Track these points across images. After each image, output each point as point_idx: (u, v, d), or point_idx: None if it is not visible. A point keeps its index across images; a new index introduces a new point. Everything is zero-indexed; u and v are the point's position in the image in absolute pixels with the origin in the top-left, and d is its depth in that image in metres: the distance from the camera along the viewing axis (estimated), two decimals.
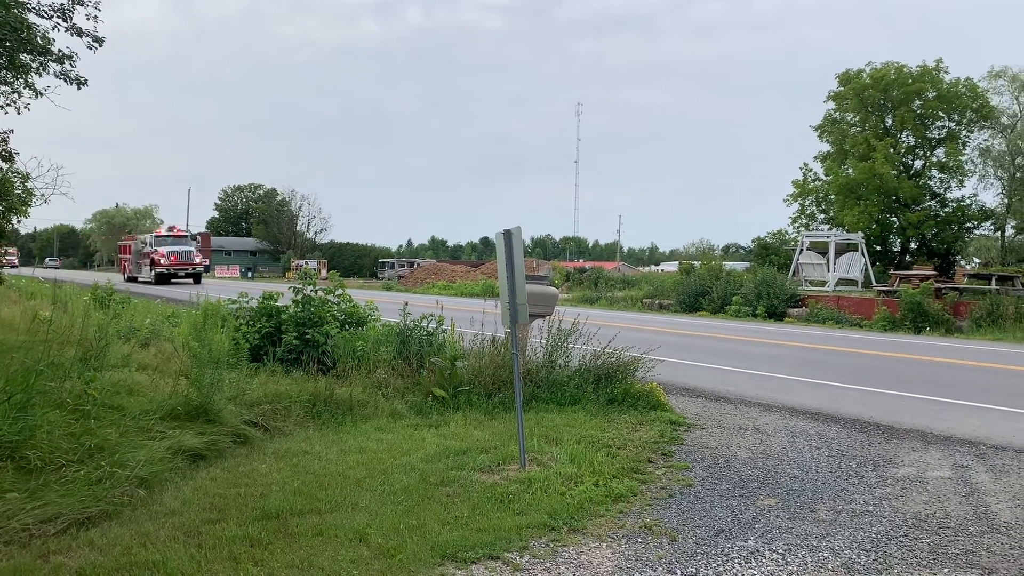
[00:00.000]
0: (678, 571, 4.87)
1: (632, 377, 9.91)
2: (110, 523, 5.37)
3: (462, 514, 5.66)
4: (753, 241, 46.66)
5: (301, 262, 61.41)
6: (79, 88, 12.94)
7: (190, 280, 45.62)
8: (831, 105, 42.81)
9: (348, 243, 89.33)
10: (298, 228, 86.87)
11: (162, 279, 45.23)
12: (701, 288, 31.14)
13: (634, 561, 5.01)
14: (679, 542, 5.34)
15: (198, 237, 62.46)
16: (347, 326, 11.24)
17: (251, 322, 10.97)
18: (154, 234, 50.06)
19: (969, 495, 6.50)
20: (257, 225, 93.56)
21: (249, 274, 75.52)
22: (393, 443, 7.58)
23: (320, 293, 11.22)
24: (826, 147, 43.30)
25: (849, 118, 42.58)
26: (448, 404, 9.05)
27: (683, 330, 21.74)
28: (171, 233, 49.92)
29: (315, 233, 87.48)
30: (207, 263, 58.63)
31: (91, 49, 13.06)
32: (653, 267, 77.20)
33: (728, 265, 39.32)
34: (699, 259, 41.81)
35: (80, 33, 12.92)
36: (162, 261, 46.04)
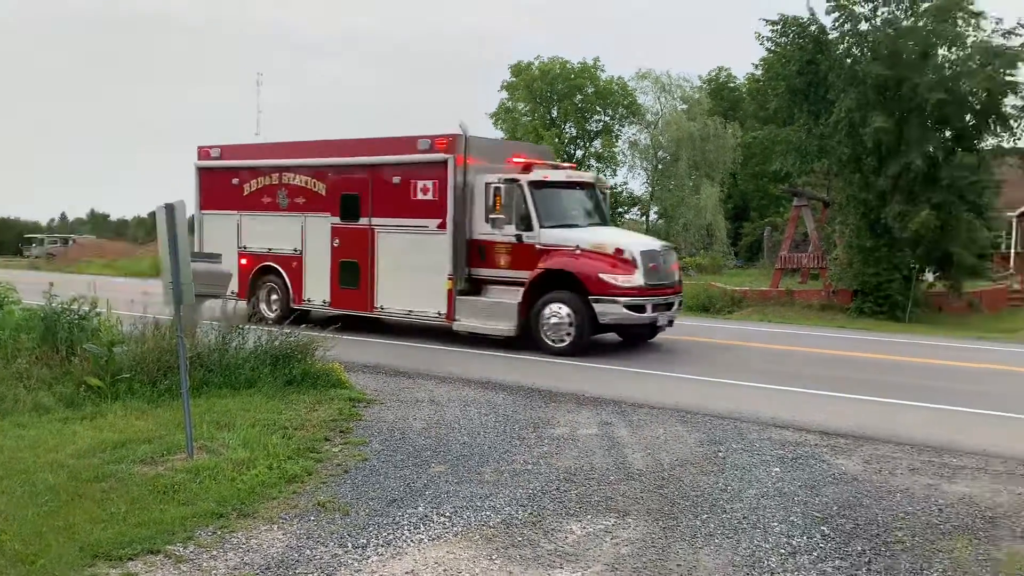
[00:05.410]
0: (349, 544, 4.96)
1: (312, 356, 9.81)
2: None
3: (119, 510, 5.27)
4: None
5: None
6: None
7: None
8: (505, 95, 45.48)
9: None
10: None
11: None
12: None
13: (306, 539, 5.01)
14: (352, 516, 5.44)
15: None
16: None
17: None
18: None
19: (611, 448, 7.34)
20: None
21: None
22: (37, 439, 6.81)
23: None
24: (500, 134, 45.93)
25: (521, 107, 45.54)
26: (105, 394, 8.31)
27: None
28: None
29: None
30: None
31: None
32: None
33: None
34: None
35: None
36: None
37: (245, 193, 15.61)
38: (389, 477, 6.33)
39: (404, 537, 5.11)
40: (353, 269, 14.36)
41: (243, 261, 15.54)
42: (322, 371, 9.63)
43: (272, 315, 15.12)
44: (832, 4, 22.61)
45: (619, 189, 46.06)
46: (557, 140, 43.21)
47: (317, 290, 14.87)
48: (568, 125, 45.30)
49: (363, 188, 14.24)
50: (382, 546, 4.96)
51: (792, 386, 10.45)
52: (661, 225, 48.47)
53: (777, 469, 6.76)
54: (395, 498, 5.84)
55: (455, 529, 5.27)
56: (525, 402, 9.26)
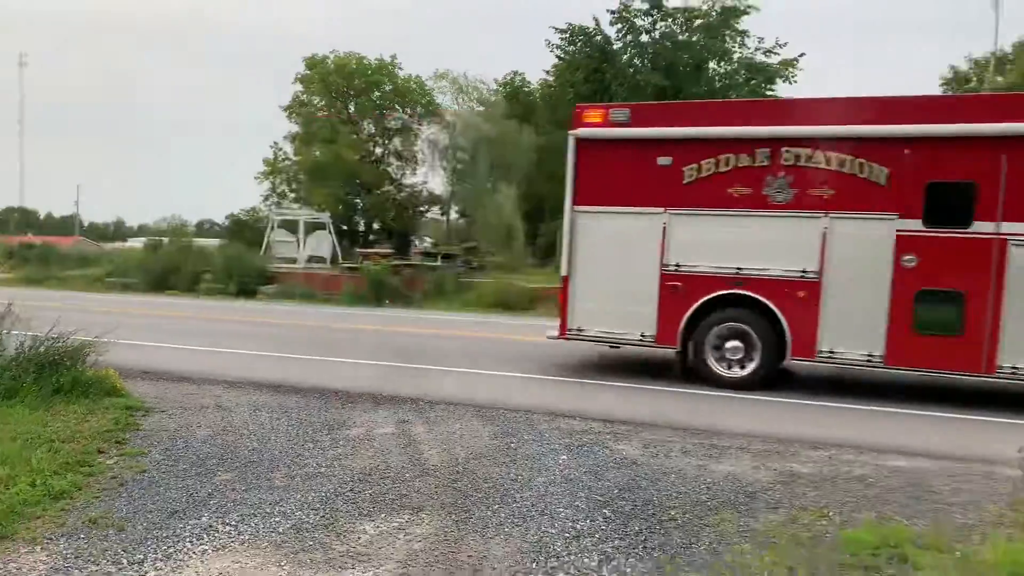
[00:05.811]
0: (124, 560, 4.66)
1: (83, 363, 9.08)
2: None
3: None
4: (227, 217, 46.16)
5: None
6: None
7: None
8: (300, 87, 44.23)
9: None
10: None
11: None
12: (170, 265, 29.82)
13: (74, 559, 4.64)
14: (128, 531, 5.10)
15: None
16: None
17: None
18: None
19: (407, 446, 7.36)
20: None
21: None
22: None
23: None
24: (296, 127, 44.66)
25: (316, 101, 44.46)
26: None
27: (149, 310, 20.58)
28: None
29: None
30: None
31: None
32: (120, 243, 71.35)
33: (203, 242, 38.28)
34: (169, 235, 39.79)
35: None
36: None
37: (687, 180, 10.70)
38: (170, 488, 6.00)
39: (185, 549, 4.86)
40: (949, 304, 9.75)
41: (674, 287, 10.77)
42: (95, 378, 8.94)
43: (736, 374, 10.58)
44: (615, 16, 23.94)
45: (420, 188, 46.10)
46: (355, 136, 42.58)
47: (849, 335, 10.12)
48: (367, 121, 44.74)
49: (982, 174, 9.59)
50: (161, 560, 4.69)
51: (610, 381, 10.96)
52: (462, 223, 49.04)
53: (564, 457, 7.07)
54: (176, 509, 5.54)
55: (242, 538, 5.08)
56: (320, 404, 9.08)
